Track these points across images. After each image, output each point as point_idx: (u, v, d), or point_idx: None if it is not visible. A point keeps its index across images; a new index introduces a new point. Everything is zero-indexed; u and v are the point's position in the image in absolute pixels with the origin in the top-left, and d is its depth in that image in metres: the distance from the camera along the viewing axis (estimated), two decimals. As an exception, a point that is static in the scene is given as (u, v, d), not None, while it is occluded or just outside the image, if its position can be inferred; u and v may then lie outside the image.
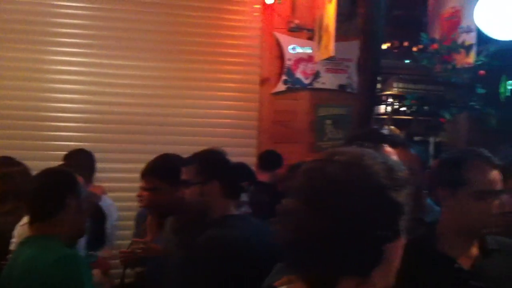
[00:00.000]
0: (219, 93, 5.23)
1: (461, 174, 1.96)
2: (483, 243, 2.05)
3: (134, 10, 5.03)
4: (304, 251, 1.03)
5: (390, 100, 6.53)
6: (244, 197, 2.70)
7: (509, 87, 8.14)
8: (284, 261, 1.09)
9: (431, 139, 5.76)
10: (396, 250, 1.06)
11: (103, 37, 4.95)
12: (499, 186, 1.96)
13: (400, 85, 6.34)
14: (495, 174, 1.96)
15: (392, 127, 7.12)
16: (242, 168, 3.37)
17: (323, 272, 1.02)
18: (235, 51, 5.27)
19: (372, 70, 4.35)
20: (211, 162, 2.49)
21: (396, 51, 6.07)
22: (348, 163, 1.05)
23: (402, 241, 1.07)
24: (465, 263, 2.02)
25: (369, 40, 4.22)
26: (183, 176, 2.48)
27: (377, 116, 6.76)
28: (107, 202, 3.87)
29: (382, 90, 6.52)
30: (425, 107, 4.49)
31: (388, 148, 2.09)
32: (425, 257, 2.07)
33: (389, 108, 6.53)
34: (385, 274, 1.06)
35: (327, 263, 1.01)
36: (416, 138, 6.03)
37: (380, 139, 2.00)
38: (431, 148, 6.01)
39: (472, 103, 4.10)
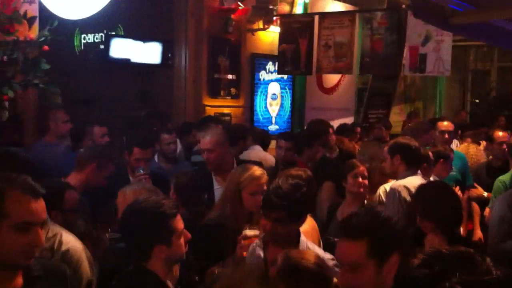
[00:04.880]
0: None
1: (1, 207, 1.87)
2: (28, 271, 1.99)
3: None
4: None
5: None
6: None
7: (83, 41, 8.20)
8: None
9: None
10: None
11: None
12: (39, 216, 1.92)
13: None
14: (36, 204, 1.91)
15: None
16: None
17: None
18: None
19: None
20: None
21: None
22: None
23: None
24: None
25: None
26: None
27: None
28: None
29: None
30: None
31: None
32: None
33: None
34: None
35: None
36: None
37: None
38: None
39: (35, 81, 3.89)
